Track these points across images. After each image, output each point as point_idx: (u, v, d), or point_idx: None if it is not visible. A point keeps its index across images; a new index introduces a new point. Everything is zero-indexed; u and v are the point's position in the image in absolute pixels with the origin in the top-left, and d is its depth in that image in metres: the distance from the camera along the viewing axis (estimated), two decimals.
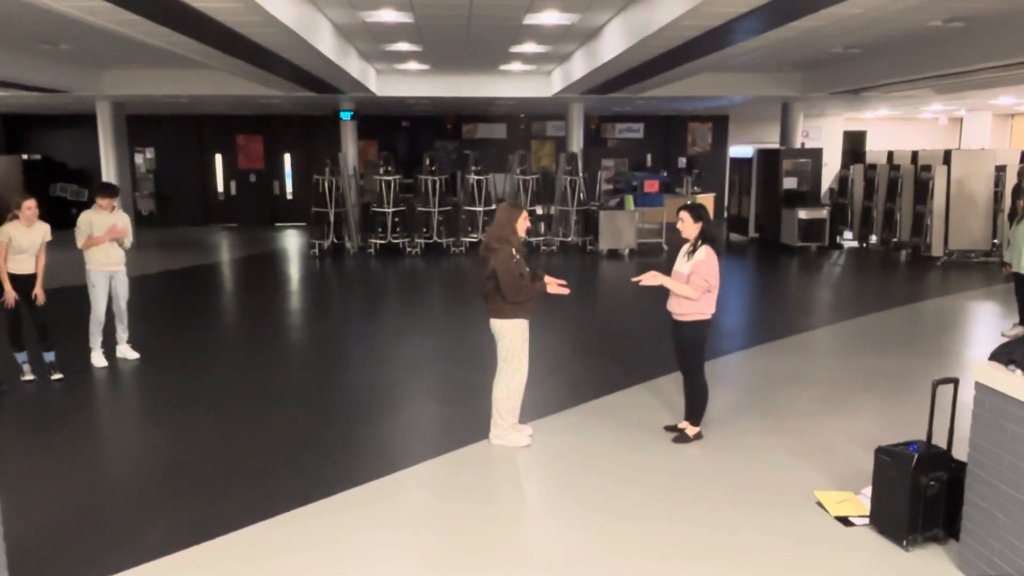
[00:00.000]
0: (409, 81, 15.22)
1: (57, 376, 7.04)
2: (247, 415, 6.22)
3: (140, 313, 9.29)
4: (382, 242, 15.41)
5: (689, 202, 5.45)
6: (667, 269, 5.50)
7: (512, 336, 5.25)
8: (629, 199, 15.40)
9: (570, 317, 9.61)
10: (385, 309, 10.62)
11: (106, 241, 7.32)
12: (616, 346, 8.38)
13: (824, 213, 15.53)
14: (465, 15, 9.15)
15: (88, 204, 7.50)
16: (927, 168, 13.94)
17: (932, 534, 4.01)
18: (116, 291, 7.53)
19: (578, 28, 10.19)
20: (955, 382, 4.08)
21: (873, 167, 15.78)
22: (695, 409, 5.51)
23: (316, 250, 15.32)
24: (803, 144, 18.62)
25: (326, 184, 15.32)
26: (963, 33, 9.67)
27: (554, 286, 5.34)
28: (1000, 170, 13.88)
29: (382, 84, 15.15)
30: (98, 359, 7.49)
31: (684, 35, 8.09)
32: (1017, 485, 3.40)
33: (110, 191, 7.44)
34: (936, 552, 3.97)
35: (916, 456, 3.96)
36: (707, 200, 20.48)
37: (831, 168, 19.27)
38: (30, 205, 6.82)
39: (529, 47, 11.63)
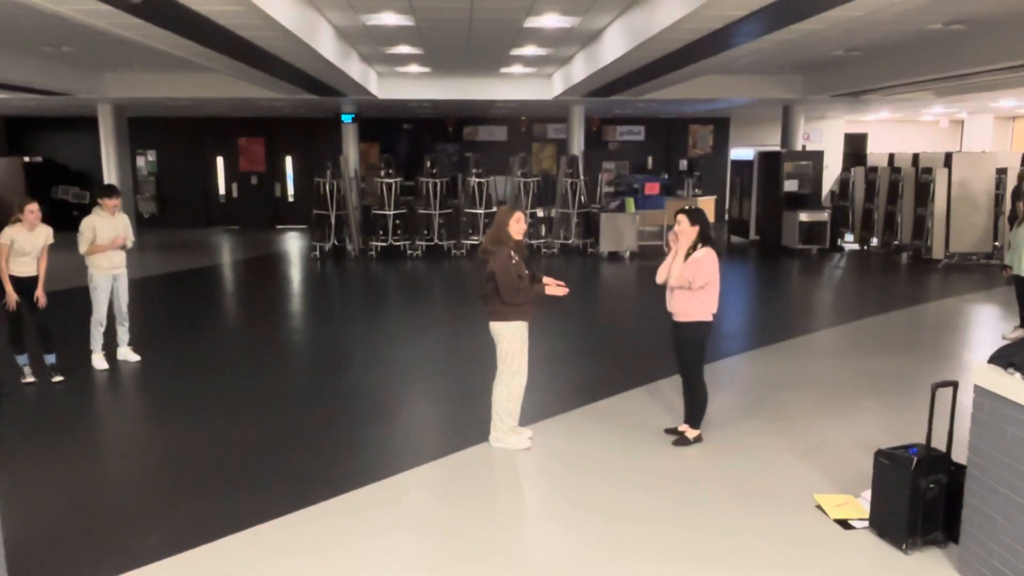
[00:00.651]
0: (410, 84, 15.24)
1: (58, 378, 7.05)
2: (248, 417, 6.22)
3: (141, 315, 9.31)
4: (383, 244, 15.42)
5: (687, 206, 5.45)
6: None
7: (512, 339, 5.25)
8: (630, 201, 15.41)
9: (570, 319, 9.62)
10: (386, 312, 10.62)
11: (110, 250, 7.34)
12: (616, 348, 8.38)
13: (825, 216, 15.54)
14: (466, 18, 9.17)
15: (90, 207, 7.50)
16: (928, 171, 13.94)
17: (932, 537, 4.01)
18: (118, 293, 7.54)
19: (579, 31, 10.21)
20: (955, 385, 4.08)
21: (874, 170, 15.78)
22: (695, 412, 5.52)
23: (317, 252, 15.33)
24: (804, 147, 18.62)
25: (327, 186, 15.33)
26: (964, 36, 9.68)
27: (552, 287, 5.35)
28: (1001, 173, 13.88)
29: (383, 87, 15.17)
30: (99, 361, 7.50)
31: (685, 38, 8.11)
32: (1017, 488, 3.40)
33: (113, 192, 7.46)
34: (936, 555, 3.96)
35: (915, 459, 3.96)
36: (708, 203, 20.47)
37: (832, 171, 19.26)
38: (33, 208, 6.83)
39: (530, 50, 11.65)
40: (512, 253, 5.20)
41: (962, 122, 22.74)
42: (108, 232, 7.34)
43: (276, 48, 8.77)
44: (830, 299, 11.61)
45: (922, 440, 4.08)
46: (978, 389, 3.63)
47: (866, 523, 4.26)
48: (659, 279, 5.42)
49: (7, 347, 7.10)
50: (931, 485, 3.95)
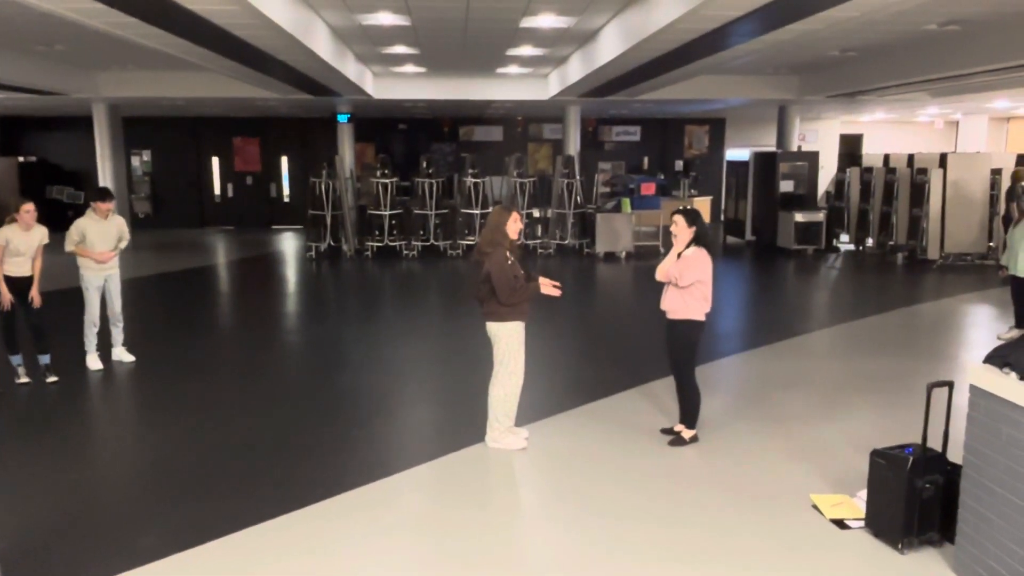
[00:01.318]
0: (406, 84, 15.23)
1: (52, 379, 7.02)
2: (242, 418, 6.20)
3: (136, 316, 9.28)
4: (379, 245, 15.40)
5: (684, 206, 5.47)
6: None
7: (508, 339, 5.25)
8: (626, 202, 15.41)
9: (567, 320, 9.61)
10: (381, 312, 10.61)
11: (96, 259, 7.30)
12: (613, 349, 8.37)
13: (820, 216, 15.56)
14: (462, 18, 9.16)
15: (84, 207, 7.47)
16: (923, 171, 13.97)
17: (927, 537, 4.01)
18: (110, 294, 7.52)
19: (575, 31, 10.20)
20: (950, 385, 4.08)
21: (869, 170, 15.80)
22: (688, 413, 5.52)
23: (313, 253, 15.31)
24: (799, 147, 18.66)
25: (323, 187, 15.31)
26: (959, 37, 9.71)
27: (547, 287, 5.35)
28: (996, 173, 13.91)
29: (379, 87, 15.15)
30: (93, 362, 7.48)
31: (681, 38, 8.11)
32: (1012, 488, 3.40)
33: (107, 196, 7.43)
34: (931, 555, 3.96)
35: (911, 459, 3.96)
36: (704, 203, 20.49)
37: (827, 171, 19.30)
38: (28, 209, 6.80)
39: (526, 50, 11.65)
40: (508, 253, 5.20)
41: (957, 123, 22.80)
42: (99, 235, 7.30)
43: (271, 47, 8.75)
44: (825, 300, 11.63)
45: (918, 440, 4.08)
46: (974, 389, 3.63)
47: (862, 523, 4.26)
48: (658, 277, 5.44)
49: (1, 347, 7.07)
50: (927, 485, 3.95)
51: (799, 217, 15.35)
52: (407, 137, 21.58)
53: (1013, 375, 3.44)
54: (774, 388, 6.84)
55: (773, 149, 17.50)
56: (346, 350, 8.42)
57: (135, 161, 20.90)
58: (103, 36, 7.93)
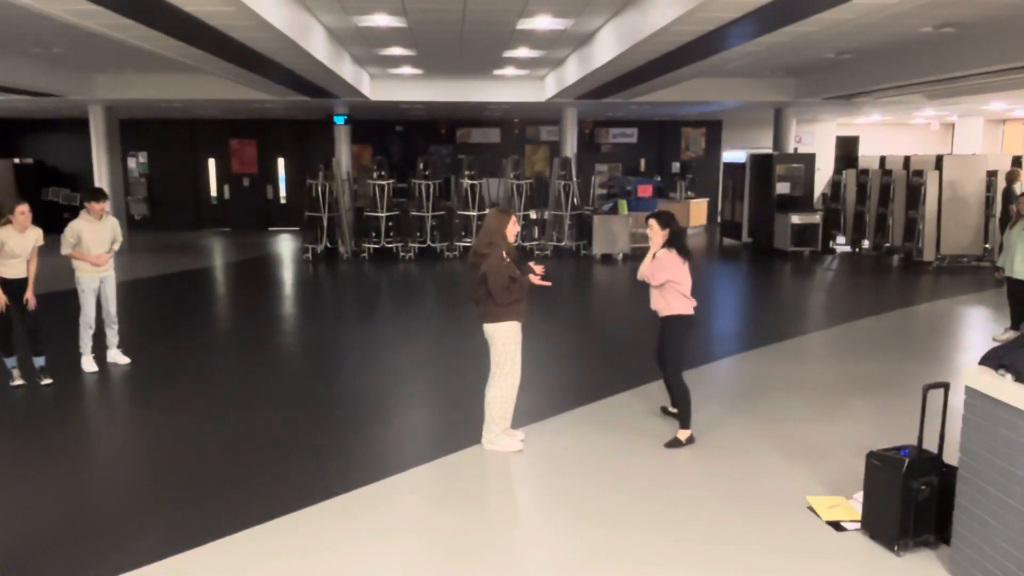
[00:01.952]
0: (403, 85, 15.22)
1: (47, 381, 7.00)
2: (238, 420, 6.19)
3: (132, 318, 9.26)
4: (375, 247, 15.39)
5: (658, 209, 5.71)
6: None
7: (505, 340, 5.25)
8: (623, 204, 15.43)
9: (564, 321, 9.61)
10: (378, 314, 10.60)
11: (93, 262, 7.29)
12: (609, 350, 8.37)
13: (817, 218, 15.58)
14: (458, 20, 9.16)
15: (81, 208, 7.46)
16: (919, 173, 13.99)
17: (923, 539, 4.01)
18: (105, 296, 7.50)
19: (571, 33, 10.21)
20: (946, 387, 4.09)
21: (865, 172, 15.83)
22: (682, 413, 5.56)
23: (309, 254, 15.29)
24: (796, 149, 18.68)
25: (320, 188, 15.30)
26: (954, 39, 9.73)
27: (536, 278, 5.35)
28: (992, 175, 13.95)
29: (376, 88, 15.15)
30: (88, 364, 7.45)
31: (677, 40, 8.12)
32: (1008, 490, 3.40)
33: (100, 196, 7.41)
34: (927, 557, 3.97)
35: (907, 461, 3.97)
36: (700, 205, 20.56)
37: (824, 173, 19.32)
38: (23, 210, 6.79)
39: (522, 52, 11.65)
40: (504, 255, 5.20)
41: (953, 125, 22.85)
42: (93, 236, 7.28)
43: (267, 49, 8.75)
44: (822, 302, 11.64)
45: (913, 442, 4.08)
46: (969, 391, 3.64)
47: (858, 525, 4.26)
48: (638, 277, 5.72)
49: None
50: (923, 487, 3.95)
51: (795, 219, 15.37)
52: (404, 139, 21.58)
53: (1009, 377, 3.45)
54: (770, 390, 6.84)
55: (769, 151, 17.52)
56: (343, 352, 8.41)
57: (132, 163, 20.87)
58: (100, 38, 7.93)
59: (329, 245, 15.53)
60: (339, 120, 17.91)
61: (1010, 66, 9.50)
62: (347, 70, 12.01)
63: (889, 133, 23.41)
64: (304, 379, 7.48)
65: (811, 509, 4.50)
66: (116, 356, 7.69)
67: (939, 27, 9.02)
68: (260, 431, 5.92)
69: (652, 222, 5.64)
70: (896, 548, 3.98)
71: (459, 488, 4.91)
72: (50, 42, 10.22)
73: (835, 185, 17.06)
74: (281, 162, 21.55)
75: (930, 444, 4.06)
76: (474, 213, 15.37)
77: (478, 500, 4.78)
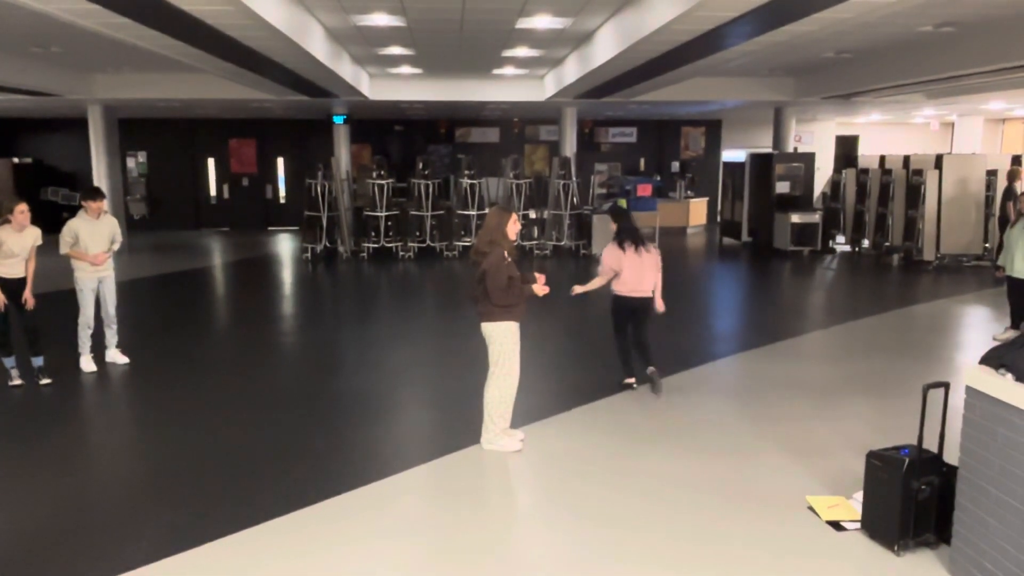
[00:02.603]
0: (402, 85, 15.22)
1: (46, 381, 6.99)
2: (237, 420, 6.18)
3: (131, 317, 9.25)
4: (375, 246, 15.38)
5: (615, 202, 6.28)
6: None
7: (503, 339, 5.23)
8: (622, 203, 15.41)
9: (562, 321, 9.60)
10: (377, 314, 10.59)
11: (92, 262, 7.28)
12: (608, 350, 8.34)
13: (816, 217, 15.58)
14: (457, 19, 9.15)
15: (80, 208, 7.44)
16: (919, 172, 13.99)
17: (923, 539, 4.00)
18: (104, 296, 7.48)
19: (570, 32, 10.20)
20: (946, 386, 4.08)
21: (865, 171, 15.82)
22: (647, 358, 6.60)
23: (309, 254, 15.28)
24: (796, 148, 18.68)
25: (319, 188, 15.29)
26: (954, 38, 9.72)
27: (540, 289, 5.34)
28: (991, 174, 13.94)
29: (375, 88, 15.14)
30: (87, 364, 7.44)
31: (676, 39, 8.11)
32: (1008, 490, 3.40)
33: (98, 195, 7.40)
34: (927, 557, 3.96)
35: (907, 460, 3.96)
36: (700, 204, 20.56)
37: (823, 172, 19.32)
38: (22, 209, 6.78)
39: (522, 51, 11.64)
40: (505, 254, 5.20)
41: (952, 124, 22.85)
42: (91, 235, 7.27)
43: (266, 49, 8.74)
44: (821, 301, 11.64)
45: (914, 441, 4.07)
46: (969, 390, 3.63)
47: (858, 524, 4.25)
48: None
49: None
50: (923, 486, 3.94)
51: (795, 218, 15.36)
52: (403, 138, 21.57)
53: (1009, 376, 3.44)
54: (770, 389, 6.83)
55: (769, 150, 17.52)
56: (342, 352, 8.40)
57: (131, 163, 20.86)
58: (98, 38, 7.92)
59: (328, 245, 15.52)
60: (338, 120, 17.90)
61: (1010, 65, 9.49)
62: (346, 69, 12.00)
63: (889, 132, 23.41)
64: (303, 379, 7.47)
65: (811, 509, 4.49)
66: (115, 356, 7.68)
67: (939, 26, 9.02)
68: (259, 431, 5.91)
69: (608, 218, 6.89)
70: (896, 548, 3.97)
71: (458, 488, 4.90)
72: (49, 41, 10.20)
73: (835, 184, 17.05)
74: (280, 162, 21.55)
75: (930, 444, 4.05)
76: (473, 213, 15.36)
77: (477, 500, 4.77)
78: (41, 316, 7.07)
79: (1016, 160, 14.40)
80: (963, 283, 12.20)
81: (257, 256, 16.48)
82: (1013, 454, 3.37)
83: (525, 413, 5.90)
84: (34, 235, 6.89)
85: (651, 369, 6.52)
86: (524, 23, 9.47)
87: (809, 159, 16.48)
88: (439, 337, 9.06)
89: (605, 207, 15.58)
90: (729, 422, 5.98)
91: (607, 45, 9.70)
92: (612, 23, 9.36)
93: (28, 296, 6.85)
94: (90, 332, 7.44)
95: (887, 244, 14.86)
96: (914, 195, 14.03)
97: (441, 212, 15.78)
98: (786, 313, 10.63)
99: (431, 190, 15.45)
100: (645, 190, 17.09)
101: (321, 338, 9.02)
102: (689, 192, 20.41)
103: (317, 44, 9.53)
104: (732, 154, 21.27)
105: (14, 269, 6.80)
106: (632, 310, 6.60)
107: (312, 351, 8.52)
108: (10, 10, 7.09)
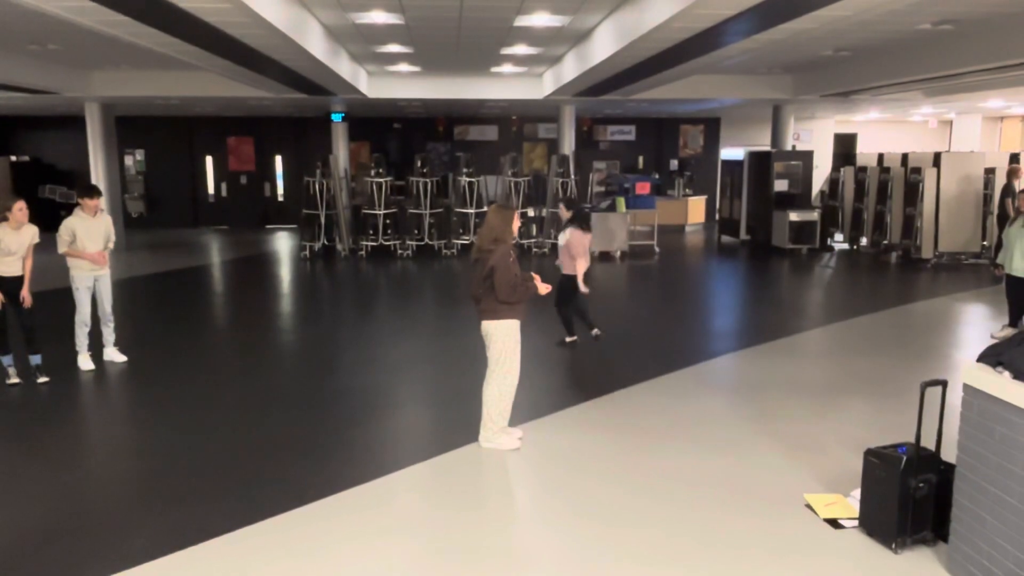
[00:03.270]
0: (400, 83, 15.19)
1: (43, 379, 6.99)
2: (234, 418, 6.18)
3: (128, 316, 9.24)
4: (373, 244, 15.37)
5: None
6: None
7: (505, 338, 5.23)
8: (621, 201, 15.41)
9: (558, 318, 9.58)
10: (375, 312, 10.59)
11: (90, 260, 7.27)
12: (606, 348, 8.36)
13: (815, 215, 15.58)
14: (455, 16, 9.14)
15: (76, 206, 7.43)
16: (917, 171, 14.00)
17: (921, 536, 4.01)
18: (100, 294, 7.48)
19: (569, 30, 10.19)
20: (944, 384, 4.08)
21: (863, 169, 15.83)
22: (585, 320, 8.15)
23: (307, 252, 15.27)
24: (794, 146, 18.68)
25: (317, 186, 15.28)
26: (952, 36, 9.72)
27: (542, 287, 5.34)
28: (989, 172, 13.95)
29: (373, 86, 15.11)
30: (85, 362, 7.44)
31: (675, 37, 8.10)
32: (1006, 487, 3.40)
33: (94, 192, 7.38)
34: (925, 554, 3.96)
35: (905, 458, 3.96)
36: (698, 202, 20.57)
37: (822, 170, 19.33)
38: (20, 207, 6.76)
39: (520, 49, 11.63)
40: (511, 251, 5.20)
41: (950, 122, 22.87)
42: (88, 233, 7.26)
43: (264, 46, 8.72)
44: (820, 299, 11.64)
45: (911, 439, 4.08)
46: (967, 388, 3.63)
47: (856, 522, 4.26)
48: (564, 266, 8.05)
49: None
50: (920, 484, 3.94)
51: (794, 216, 15.37)
52: (402, 136, 21.56)
53: (1007, 374, 3.44)
54: (768, 387, 6.84)
55: (767, 148, 17.52)
56: (340, 350, 8.39)
57: (128, 160, 20.83)
58: (96, 35, 7.89)
59: (327, 243, 15.51)
60: (336, 117, 17.87)
61: (1008, 63, 9.49)
62: (344, 67, 11.98)
63: (887, 130, 23.42)
64: (301, 377, 7.47)
65: (809, 507, 4.49)
66: (112, 354, 7.67)
67: (937, 24, 9.01)
68: (256, 429, 5.90)
69: (561, 206, 8.46)
70: (894, 546, 3.98)
71: (456, 486, 4.90)
72: (46, 39, 10.18)
73: (833, 182, 17.07)
74: (279, 160, 21.53)
75: (928, 442, 4.06)
76: (472, 211, 15.35)
77: (475, 498, 4.77)
78: (38, 314, 7.06)
79: (1014, 158, 14.42)
80: (961, 281, 12.21)
81: (255, 254, 16.46)
82: (1011, 452, 3.37)
83: (524, 411, 5.90)
84: (31, 233, 6.88)
85: (595, 331, 8.17)
86: (522, 21, 9.46)
87: (807, 157, 16.48)
88: (437, 335, 9.06)
89: (604, 205, 15.61)
90: (727, 420, 5.99)
91: (605, 43, 9.69)
92: (610, 21, 9.35)
93: (26, 294, 6.85)
94: (87, 330, 7.44)
95: (885, 242, 14.87)
96: (912, 193, 14.04)
97: (440, 210, 15.77)
98: (784, 311, 10.64)
99: (429, 188, 15.44)
100: (644, 188, 17.08)
101: (319, 336, 9.02)
102: (688, 190, 20.42)
103: (315, 42, 9.51)
104: (731, 152, 21.27)
105: (12, 267, 6.79)
106: (574, 285, 8.01)
107: (310, 349, 8.51)
108: (7, 7, 7.07)
